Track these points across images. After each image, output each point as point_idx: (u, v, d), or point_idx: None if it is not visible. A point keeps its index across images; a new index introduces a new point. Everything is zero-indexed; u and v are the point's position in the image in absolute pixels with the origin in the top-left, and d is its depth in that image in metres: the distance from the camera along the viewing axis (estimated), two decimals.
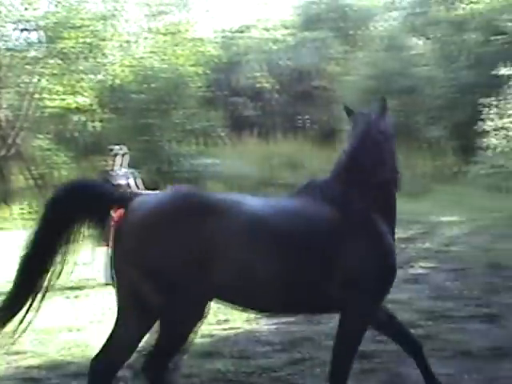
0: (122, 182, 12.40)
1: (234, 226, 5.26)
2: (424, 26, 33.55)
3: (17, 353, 8.61)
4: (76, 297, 11.76)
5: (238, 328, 9.32)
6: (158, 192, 7.24)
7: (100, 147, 33.72)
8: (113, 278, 5.61)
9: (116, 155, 12.56)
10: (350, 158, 5.94)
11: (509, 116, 20.27)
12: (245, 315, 9.66)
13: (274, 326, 9.26)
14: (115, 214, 9.92)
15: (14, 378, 7.81)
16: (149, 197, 5.79)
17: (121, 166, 12.66)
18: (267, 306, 5.77)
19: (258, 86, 38.38)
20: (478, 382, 6.92)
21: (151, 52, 29.05)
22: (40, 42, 27.09)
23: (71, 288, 12.22)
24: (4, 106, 27.32)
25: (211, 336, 8.99)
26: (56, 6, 26.52)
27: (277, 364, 7.72)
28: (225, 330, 9.30)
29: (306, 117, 41.55)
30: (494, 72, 20.31)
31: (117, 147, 12.84)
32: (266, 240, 5.35)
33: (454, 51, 27.59)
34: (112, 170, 12.55)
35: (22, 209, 21.51)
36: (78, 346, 8.83)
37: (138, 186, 12.60)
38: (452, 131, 26.67)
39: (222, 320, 9.64)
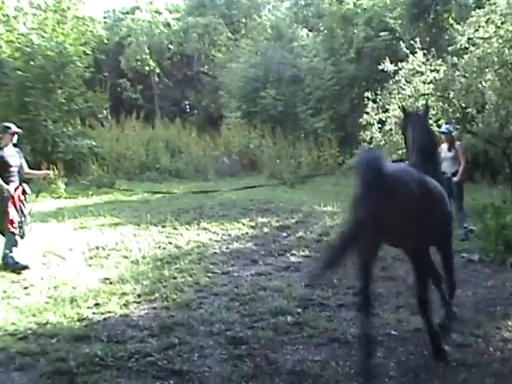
0: (17, 160, 12.05)
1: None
2: (310, 18, 33.97)
3: None
4: None
5: (111, 312, 9.21)
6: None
7: None
8: None
9: (13, 133, 12.17)
10: (423, 144, 8.14)
11: (386, 110, 20.70)
12: (115, 299, 9.62)
13: (146, 311, 9.26)
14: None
15: None
16: None
17: (13, 144, 12.26)
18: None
19: (141, 68, 38.03)
20: (349, 369, 7.10)
21: (34, 29, 28.37)
22: None
23: None
24: None
25: (83, 319, 8.91)
26: None
27: (152, 348, 7.72)
28: (96, 313, 9.18)
29: (188, 102, 41.57)
30: (380, 67, 20.69)
31: (12, 125, 12.40)
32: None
33: (339, 44, 27.96)
34: (5, 147, 12.10)
35: None
36: None
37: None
38: (336, 123, 27.06)
39: (92, 304, 9.52)
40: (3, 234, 11.82)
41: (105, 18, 38.87)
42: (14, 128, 12.19)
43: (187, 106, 41.73)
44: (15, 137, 12.18)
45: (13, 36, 27.30)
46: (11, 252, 11.54)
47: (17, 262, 11.54)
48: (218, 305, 9.37)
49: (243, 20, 40.26)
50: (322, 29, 29.92)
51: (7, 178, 11.68)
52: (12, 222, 11.56)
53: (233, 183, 22.21)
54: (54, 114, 27.33)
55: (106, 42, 34.32)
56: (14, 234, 11.62)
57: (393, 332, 8.13)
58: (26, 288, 10.54)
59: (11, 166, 11.84)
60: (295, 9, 35.99)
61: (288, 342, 7.86)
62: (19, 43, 28.11)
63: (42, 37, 28.47)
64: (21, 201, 11.87)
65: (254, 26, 37.02)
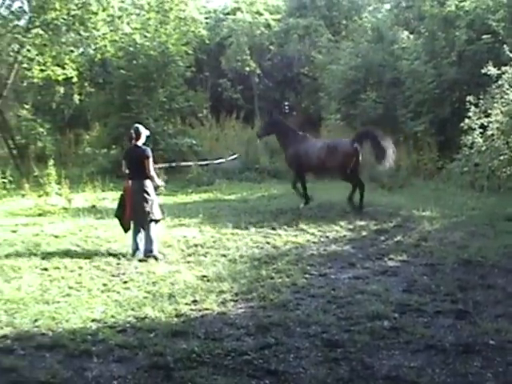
0: None
1: None
2: (412, 21, 33.55)
3: None
4: (45, 269, 11.67)
5: (208, 309, 9.31)
6: None
7: (79, 120, 33.77)
8: None
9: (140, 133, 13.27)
10: None
11: (489, 115, 20.32)
12: (213, 297, 9.69)
13: (243, 310, 9.31)
14: None
15: None
16: None
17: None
18: None
19: (241, 69, 38.22)
20: (445, 377, 6.96)
21: (137, 29, 28.85)
22: (24, 11, 26.88)
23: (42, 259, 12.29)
24: None
25: (180, 315, 9.04)
26: None
27: (248, 347, 7.76)
28: (193, 310, 9.31)
29: (288, 103, 41.59)
30: (483, 71, 20.33)
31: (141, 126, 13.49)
32: None
33: (440, 47, 27.51)
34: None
35: None
36: (50, 318, 8.80)
37: None
38: (437, 127, 26.64)
39: (190, 301, 9.64)
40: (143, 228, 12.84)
41: (206, 18, 39.10)
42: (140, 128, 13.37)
43: (286, 107, 41.76)
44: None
45: (116, 36, 27.79)
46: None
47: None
48: (315, 307, 9.33)
49: (344, 22, 40.04)
50: (423, 31, 29.45)
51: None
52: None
53: (330, 185, 22.08)
54: (155, 112, 27.74)
55: (207, 42, 34.62)
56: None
57: (491, 342, 7.89)
58: (125, 282, 10.78)
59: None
60: (396, 11, 35.57)
61: (384, 347, 7.76)
62: (123, 43, 28.66)
63: (145, 37, 28.96)
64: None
65: (355, 28, 36.76)
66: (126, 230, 13.04)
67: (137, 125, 13.56)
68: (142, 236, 12.84)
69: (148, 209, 12.74)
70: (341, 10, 39.92)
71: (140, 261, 12.26)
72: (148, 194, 12.81)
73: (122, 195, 13.06)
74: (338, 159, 17.53)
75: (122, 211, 12.91)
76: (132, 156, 13.06)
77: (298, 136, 18.77)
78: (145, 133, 13.23)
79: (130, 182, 12.96)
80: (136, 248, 12.77)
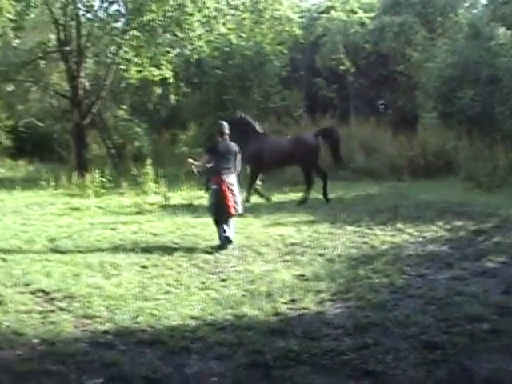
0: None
1: None
2: (509, 16, 32.85)
3: (85, 316, 8.81)
4: (144, 266, 11.88)
5: (306, 308, 9.31)
6: None
7: (175, 120, 34.21)
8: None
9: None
10: None
11: None
12: (311, 296, 9.68)
13: (341, 310, 9.28)
14: None
15: (81, 341, 8.03)
16: None
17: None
18: None
19: (336, 67, 38.04)
20: None
21: (232, 29, 29.08)
22: (121, 13, 27.39)
23: (141, 256, 12.51)
24: (83, 75, 27.67)
25: (278, 314, 9.08)
26: None
27: (346, 347, 7.74)
28: (291, 309, 9.33)
29: (383, 101, 41.24)
30: None
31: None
32: None
33: None
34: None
35: (94, 177, 21.83)
36: (149, 314, 8.92)
37: None
38: None
39: (288, 300, 9.66)
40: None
41: (300, 17, 39.02)
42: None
43: (382, 106, 41.41)
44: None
45: (212, 36, 28.06)
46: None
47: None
48: (413, 307, 9.21)
49: (439, 19, 39.45)
50: None
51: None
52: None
53: (426, 185, 21.81)
54: (251, 111, 27.89)
55: (301, 41, 34.59)
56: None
57: None
58: (223, 280, 10.87)
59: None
60: (492, 6, 34.79)
61: (484, 350, 7.59)
62: (218, 43, 28.97)
63: (240, 37, 29.20)
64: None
65: (451, 25, 36.18)
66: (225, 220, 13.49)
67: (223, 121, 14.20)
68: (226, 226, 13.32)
69: (238, 202, 13.47)
70: (436, 7, 39.26)
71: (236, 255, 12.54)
72: (236, 188, 13.47)
73: (215, 189, 13.29)
74: (304, 151, 19.25)
75: (221, 206, 13.20)
76: (227, 151, 13.60)
77: (259, 135, 19.83)
78: None
79: (222, 176, 13.28)
80: (226, 237, 13.22)
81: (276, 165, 20.34)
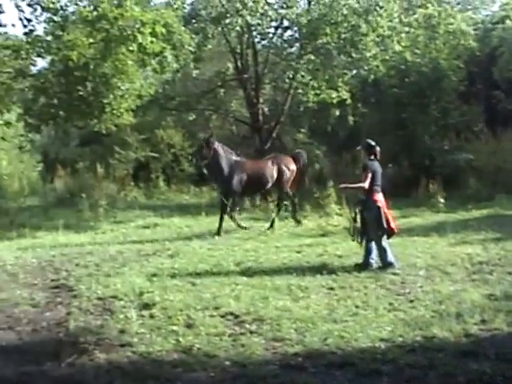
0: None
1: None
2: None
3: (275, 339, 8.98)
4: (331, 288, 11.96)
5: (497, 329, 9.11)
6: None
7: (354, 141, 34.28)
8: None
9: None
10: None
11: None
12: (502, 316, 9.49)
13: None
14: None
15: (272, 364, 8.16)
16: None
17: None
18: None
19: None
20: None
21: (407, 46, 28.97)
22: (296, 38, 27.91)
23: (328, 278, 12.64)
24: (261, 101, 28.37)
25: (469, 335, 8.91)
26: (314, 4, 27.09)
27: None
28: (482, 330, 9.14)
29: None
30: None
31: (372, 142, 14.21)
32: None
33: None
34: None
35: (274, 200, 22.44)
36: (338, 336, 9.01)
37: None
38: None
39: (478, 320, 9.46)
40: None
41: (475, 30, 38.27)
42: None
43: None
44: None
45: (387, 55, 28.05)
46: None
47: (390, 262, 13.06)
48: None
49: None
50: None
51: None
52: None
53: None
54: (430, 129, 27.70)
55: (477, 53, 33.96)
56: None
57: None
58: (411, 301, 10.76)
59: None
60: None
61: None
62: (393, 61, 28.88)
63: (415, 54, 29.01)
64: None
65: None
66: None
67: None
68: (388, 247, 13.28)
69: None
70: None
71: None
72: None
73: (379, 208, 13.29)
74: (289, 175, 20.47)
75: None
76: (380, 170, 13.63)
77: (235, 161, 19.78)
78: None
79: (378, 194, 13.36)
80: (369, 260, 13.38)
81: (259, 189, 21.53)
